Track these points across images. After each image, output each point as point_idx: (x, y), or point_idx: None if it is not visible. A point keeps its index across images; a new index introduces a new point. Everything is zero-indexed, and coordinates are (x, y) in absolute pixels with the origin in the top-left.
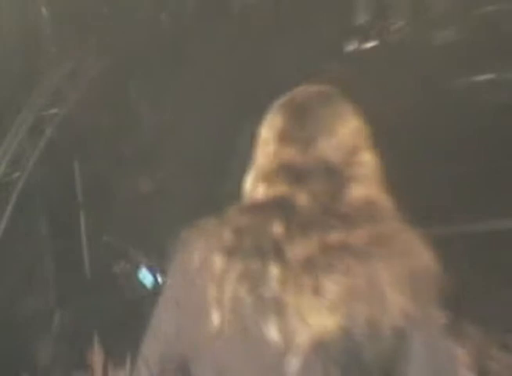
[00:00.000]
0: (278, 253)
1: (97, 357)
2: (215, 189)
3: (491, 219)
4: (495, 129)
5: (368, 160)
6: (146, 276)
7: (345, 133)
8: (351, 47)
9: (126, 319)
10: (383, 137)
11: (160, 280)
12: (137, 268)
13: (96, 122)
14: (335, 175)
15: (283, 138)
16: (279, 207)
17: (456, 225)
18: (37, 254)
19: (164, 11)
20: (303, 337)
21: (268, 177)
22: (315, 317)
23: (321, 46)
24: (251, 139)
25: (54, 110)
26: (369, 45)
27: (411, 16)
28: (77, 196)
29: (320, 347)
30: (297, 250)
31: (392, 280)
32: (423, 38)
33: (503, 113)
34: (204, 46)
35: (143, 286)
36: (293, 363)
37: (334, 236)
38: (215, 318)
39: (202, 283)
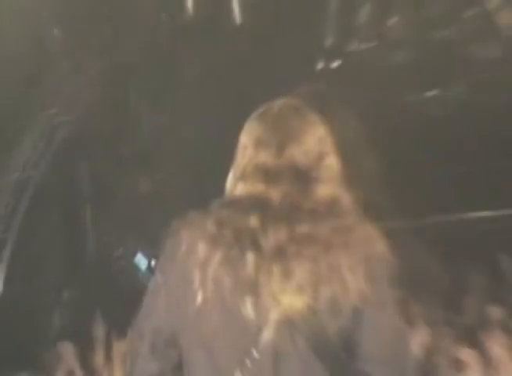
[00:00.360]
0: (253, 242)
1: (100, 330)
2: (206, 187)
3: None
4: (441, 135)
5: (332, 164)
6: (141, 261)
7: (312, 140)
8: (320, 65)
9: (124, 296)
10: (350, 142)
11: (153, 263)
12: (134, 253)
13: (100, 126)
14: (303, 177)
15: (259, 143)
16: (254, 202)
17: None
18: (49, 241)
19: (164, 12)
20: (274, 314)
21: (245, 177)
22: (285, 297)
23: (295, 65)
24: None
25: (63, 117)
26: (335, 64)
27: (372, 38)
28: (82, 191)
29: (289, 322)
30: (270, 240)
31: (351, 265)
32: (382, 58)
33: (448, 123)
34: (201, 51)
35: (138, 269)
36: (266, 335)
37: (302, 229)
38: (199, 297)
39: (188, 267)
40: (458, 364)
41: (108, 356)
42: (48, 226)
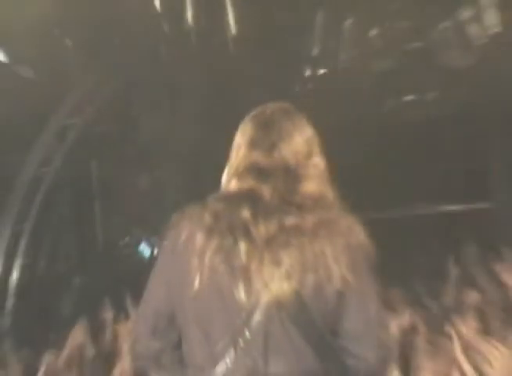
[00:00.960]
0: (246, 232)
1: (108, 311)
2: (203, 183)
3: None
4: (416, 135)
5: (318, 163)
6: (144, 249)
7: (301, 141)
8: (307, 73)
9: (129, 281)
10: (332, 142)
11: (155, 251)
12: (138, 242)
13: (107, 130)
14: (292, 174)
15: (252, 143)
16: (247, 197)
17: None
18: (61, 232)
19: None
20: (264, 297)
21: (239, 173)
22: (275, 283)
23: (286, 72)
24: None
25: (74, 120)
26: (321, 72)
27: (354, 49)
28: (92, 187)
29: (278, 305)
30: (261, 230)
31: (334, 254)
32: (364, 66)
33: (423, 126)
34: (199, 60)
35: (142, 256)
36: (257, 317)
37: (290, 220)
38: (196, 282)
39: (186, 254)
40: (433, 344)
41: (115, 335)
42: (61, 219)
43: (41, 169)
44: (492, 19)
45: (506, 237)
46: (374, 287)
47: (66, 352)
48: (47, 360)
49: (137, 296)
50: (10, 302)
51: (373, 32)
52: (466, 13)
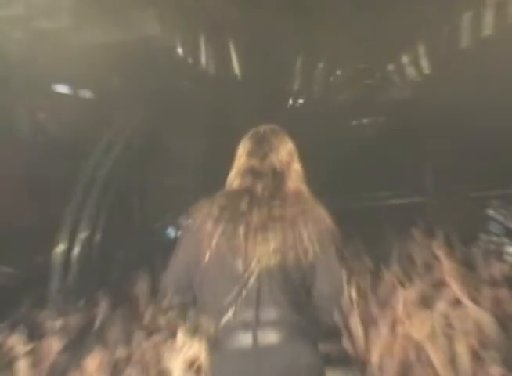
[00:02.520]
0: (244, 219)
1: (145, 279)
2: (213, 183)
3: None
4: (370, 147)
5: (297, 168)
6: (171, 232)
7: (284, 152)
8: (290, 102)
9: (159, 256)
10: (308, 152)
11: (178, 234)
12: (166, 227)
13: (143, 142)
14: (278, 176)
15: (249, 154)
16: (245, 193)
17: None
18: (110, 219)
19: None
20: (257, 268)
21: (240, 175)
22: (264, 257)
23: (272, 102)
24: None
25: (119, 136)
26: (300, 101)
27: (324, 84)
28: (133, 185)
29: (267, 273)
30: (255, 218)
31: (309, 235)
32: (332, 97)
33: (376, 139)
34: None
35: (169, 237)
36: (251, 281)
37: (276, 211)
38: (207, 256)
39: (200, 236)
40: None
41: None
42: (111, 208)
43: (96, 172)
44: (424, 63)
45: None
46: (337, 259)
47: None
48: (103, 311)
49: (165, 266)
50: (73, 269)
51: (338, 72)
52: (406, 58)
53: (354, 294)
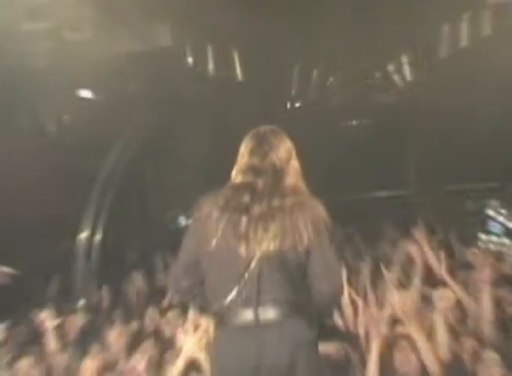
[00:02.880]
0: (246, 210)
1: (159, 262)
2: (219, 178)
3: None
4: (359, 146)
5: (295, 165)
6: (182, 220)
7: (283, 151)
8: (288, 105)
9: (172, 241)
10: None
11: (188, 222)
12: (178, 216)
13: (156, 143)
14: (277, 172)
15: (251, 153)
16: (247, 187)
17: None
18: (128, 208)
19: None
20: (258, 253)
21: (242, 172)
22: (264, 243)
23: (272, 105)
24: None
25: (137, 136)
26: (298, 104)
27: (319, 89)
28: (148, 180)
29: (266, 257)
30: (256, 209)
31: (304, 224)
32: (326, 101)
33: (364, 140)
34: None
35: (180, 225)
36: (253, 265)
37: (275, 202)
38: (213, 243)
39: (207, 225)
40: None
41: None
42: (127, 200)
43: (115, 168)
44: (407, 71)
45: (417, 215)
46: (330, 244)
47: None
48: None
49: (175, 251)
50: (94, 254)
51: (331, 79)
52: (391, 67)
53: (344, 275)
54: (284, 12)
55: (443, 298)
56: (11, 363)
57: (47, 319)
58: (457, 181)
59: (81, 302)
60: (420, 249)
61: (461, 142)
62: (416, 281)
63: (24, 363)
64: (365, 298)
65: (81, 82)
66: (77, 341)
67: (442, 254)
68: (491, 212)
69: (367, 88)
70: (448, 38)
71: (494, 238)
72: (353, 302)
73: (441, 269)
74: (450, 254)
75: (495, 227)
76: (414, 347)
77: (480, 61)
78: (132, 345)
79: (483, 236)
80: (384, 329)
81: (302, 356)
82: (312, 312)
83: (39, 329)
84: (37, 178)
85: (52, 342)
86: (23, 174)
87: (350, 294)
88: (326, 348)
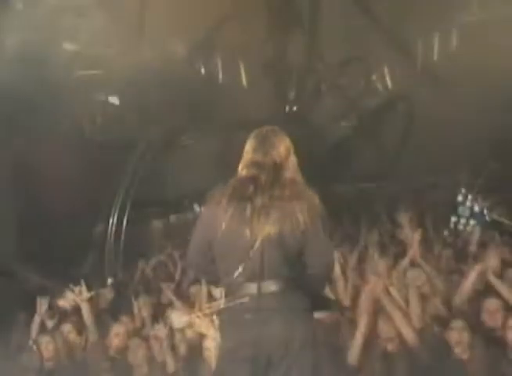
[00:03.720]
0: (250, 200)
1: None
2: (227, 172)
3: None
4: (347, 145)
5: (293, 160)
6: (196, 208)
7: (283, 148)
8: (287, 109)
9: (188, 227)
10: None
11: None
12: (193, 204)
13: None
14: (277, 167)
15: (254, 150)
16: (251, 181)
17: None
18: (150, 196)
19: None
20: (261, 236)
21: (247, 167)
22: (266, 227)
23: (272, 109)
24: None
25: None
26: (295, 108)
27: (312, 97)
28: (164, 173)
29: (268, 240)
30: (259, 199)
31: (301, 211)
32: (318, 104)
33: (351, 138)
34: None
35: (195, 212)
36: (256, 246)
37: (276, 193)
38: (222, 226)
39: (216, 212)
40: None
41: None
42: (149, 190)
43: (139, 162)
44: (388, 80)
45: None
46: (323, 228)
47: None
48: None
49: (191, 234)
50: (122, 238)
51: (323, 87)
52: (375, 75)
53: (336, 254)
54: (283, 29)
55: (416, 278)
56: (55, 328)
57: (82, 292)
58: (432, 174)
59: (110, 278)
60: (405, 233)
61: (434, 141)
62: (406, 260)
63: (64, 328)
64: (355, 274)
65: (110, 90)
66: (108, 311)
67: (417, 236)
68: (460, 198)
69: (354, 95)
70: (423, 52)
71: (463, 220)
72: (344, 277)
73: (416, 252)
74: (425, 236)
75: (464, 211)
76: (392, 316)
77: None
78: (155, 315)
79: (453, 219)
80: (371, 303)
81: (299, 321)
82: (307, 285)
83: (75, 301)
84: (77, 171)
85: (86, 312)
86: (66, 168)
87: (341, 270)
88: (320, 315)
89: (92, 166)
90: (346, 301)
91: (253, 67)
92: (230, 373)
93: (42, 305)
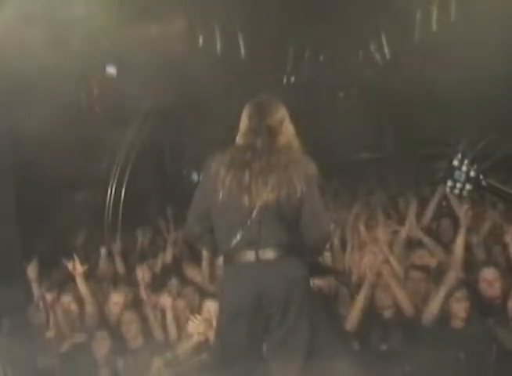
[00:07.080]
0: (248, 166)
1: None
2: (225, 141)
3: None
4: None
5: (288, 126)
6: (195, 176)
7: (278, 115)
8: (285, 80)
9: (184, 195)
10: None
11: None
12: (191, 173)
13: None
14: (273, 132)
15: (250, 117)
16: (248, 147)
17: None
18: (149, 167)
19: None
20: (259, 203)
21: (244, 134)
22: (264, 194)
23: (271, 79)
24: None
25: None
26: (293, 79)
27: (310, 68)
28: (165, 148)
29: (266, 206)
30: (257, 165)
31: (297, 177)
32: (315, 77)
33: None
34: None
35: (193, 180)
36: (255, 213)
37: (273, 159)
38: (221, 194)
39: (215, 179)
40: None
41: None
42: (147, 161)
43: (137, 135)
44: (386, 49)
45: (393, 176)
46: (319, 196)
47: None
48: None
49: (189, 203)
50: (120, 207)
51: (321, 58)
52: (372, 46)
53: (333, 224)
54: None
55: (420, 257)
56: (55, 300)
57: (77, 264)
58: (430, 145)
59: (104, 249)
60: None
61: (433, 112)
62: (403, 231)
63: (64, 299)
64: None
65: (108, 61)
66: (110, 281)
67: (414, 206)
68: (456, 163)
69: (352, 65)
70: (420, 23)
71: (458, 185)
72: (343, 245)
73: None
74: (424, 205)
75: (460, 176)
76: (391, 286)
77: (446, 44)
78: (157, 284)
79: (449, 183)
80: (373, 270)
81: (297, 288)
82: (305, 253)
83: (72, 272)
84: (75, 144)
85: (81, 286)
86: (65, 142)
87: (341, 238)
88: (318, 282)
89: (90, 140)
90: (345, 269)
91: (251, 39)
92: (231, 329)
93: (32, 270)
